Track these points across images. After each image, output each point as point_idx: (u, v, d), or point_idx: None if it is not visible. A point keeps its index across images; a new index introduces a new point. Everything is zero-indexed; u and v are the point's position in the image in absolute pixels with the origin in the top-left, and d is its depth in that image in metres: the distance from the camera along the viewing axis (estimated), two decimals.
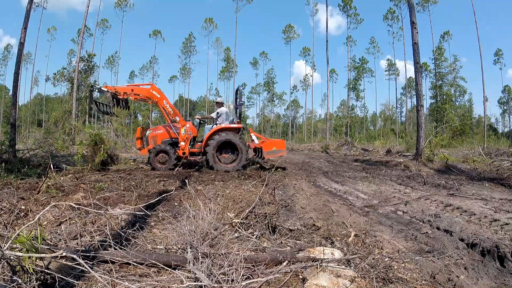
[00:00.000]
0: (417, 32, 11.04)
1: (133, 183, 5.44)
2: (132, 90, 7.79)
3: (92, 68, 30.60)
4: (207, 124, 8.83)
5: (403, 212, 4.10)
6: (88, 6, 23.09)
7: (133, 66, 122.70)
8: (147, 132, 8.27)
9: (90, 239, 2.51)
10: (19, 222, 3.01)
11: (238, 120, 8.39)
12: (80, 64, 25.13)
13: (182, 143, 7.76)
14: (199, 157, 8.08)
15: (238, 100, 8.32)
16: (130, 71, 66.71)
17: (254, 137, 8.34)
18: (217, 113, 8.27)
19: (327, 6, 29.64)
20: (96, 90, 7.87)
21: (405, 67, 43.12)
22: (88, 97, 8.19)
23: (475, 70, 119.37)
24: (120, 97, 7.65)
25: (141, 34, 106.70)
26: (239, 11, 39.43)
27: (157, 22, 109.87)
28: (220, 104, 8.52)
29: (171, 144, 7.93)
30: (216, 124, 8.13)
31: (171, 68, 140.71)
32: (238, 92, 8.47)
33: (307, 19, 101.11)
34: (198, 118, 8.91)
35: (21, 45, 8.44)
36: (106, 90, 7.49)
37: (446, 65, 38.73)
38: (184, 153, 7.78)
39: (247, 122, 49.16)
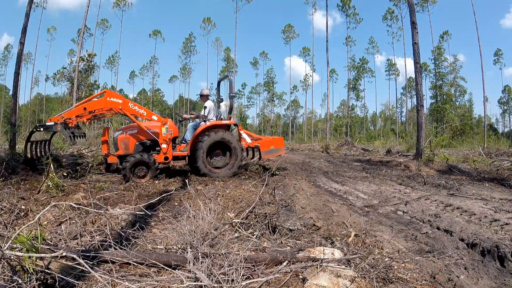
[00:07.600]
0: (417, 32, 11.02)
1: (133, 183, 5.44)
2: (85, 108, 5.84)
3: (92, 68, 30.65)
4: (190, 122, 7.57)
5: (403, 212, 4.10)
6: (88, 6, 23.09)
7: (133, 66, 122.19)
8: (115, 134, 6.45)
9: (90, 239, 2.51)
10: (19, 222, 3.02)
11: (230, 115, 6.93)
12: (80, 64, 25.14)
13: (164, 146, 6.08)
14: (184, 163, 6.55)
15: (229, 91, 6.79)
16: (130, 71, 66.72)
17: (245, 135, 6.99)
18: (205, 107, 6.93)
19: (327, 6, 29.65)
20: (42, 129, 5.88)
21: (405, 67, 43.12)
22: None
23: (475, 70, 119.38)
24: (73, 124, 5.83)
25: (141, 34, 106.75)
26: (239, 11, 39.46)
27: (156, 22, 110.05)
28: (205, 97, 7.13)
29: (147, 149, 6.29)
30: (205, 121, 6.74)
31: (171, 68, 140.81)
32: (227, 81, 6.92)
33: (302, 19, 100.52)
34: (187, 118, 7.51)
35: (21, 45, 8.47)
36: (52, 123, 5.61)
37: (446, 65, 38.82)
38: (166, 158, 6.14)
39: (247, 122, 49.22)
